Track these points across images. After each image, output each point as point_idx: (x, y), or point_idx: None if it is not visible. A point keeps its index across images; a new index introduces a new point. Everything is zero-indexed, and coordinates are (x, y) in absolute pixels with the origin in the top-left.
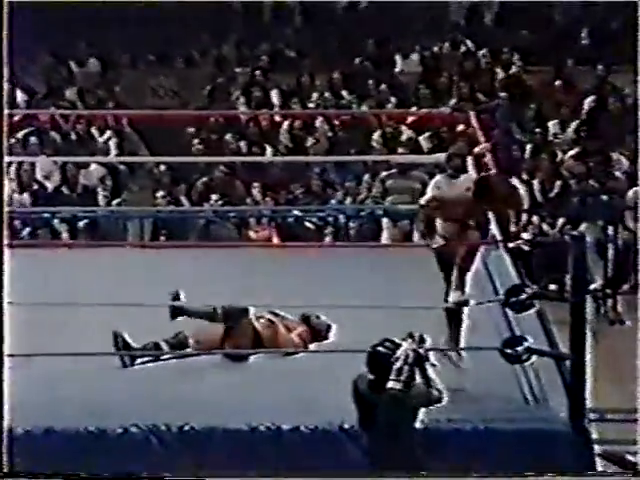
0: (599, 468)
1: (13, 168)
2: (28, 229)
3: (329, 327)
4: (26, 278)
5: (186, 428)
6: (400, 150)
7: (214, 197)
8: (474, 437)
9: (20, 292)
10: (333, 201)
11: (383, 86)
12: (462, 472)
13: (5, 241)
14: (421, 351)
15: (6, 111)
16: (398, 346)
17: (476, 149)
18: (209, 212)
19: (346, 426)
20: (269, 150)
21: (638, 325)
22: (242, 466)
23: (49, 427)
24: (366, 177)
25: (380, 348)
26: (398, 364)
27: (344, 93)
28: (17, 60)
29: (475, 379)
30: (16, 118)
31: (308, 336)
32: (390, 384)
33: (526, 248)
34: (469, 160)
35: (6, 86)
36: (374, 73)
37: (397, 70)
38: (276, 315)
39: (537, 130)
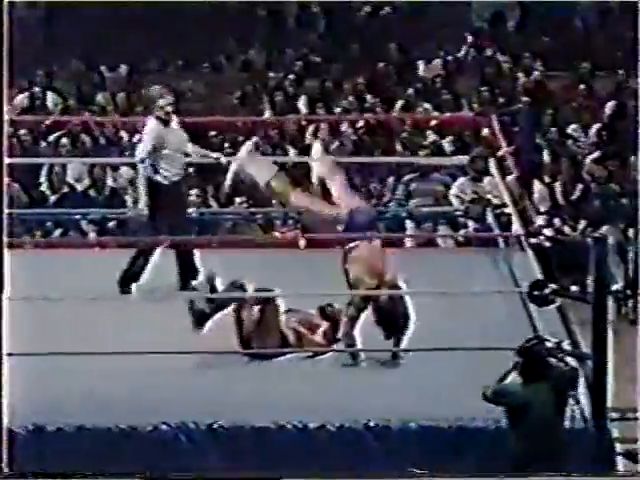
0: (620, 467)
1: (44, 171)
2: (59, 230)
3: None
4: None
5: (215, 426)
6: (423, 153)
7: (238, 200)
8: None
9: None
10: None
11: (409, 90)
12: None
13: (6, 240)
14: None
15: (37, 117)
16: (544, 341)
17: (499, 152)
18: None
19: (372, 424)
20: (292, 153)
21: (638, 326)
22: (268, 465)
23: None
24: (390, 180)
25: (534, 346)
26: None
27: (368, 97)
28: (49, 65)
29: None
30: (47, 122)
31: (331, 333)
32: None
33: (547, 244)
34: (491, 163)
35: (37, 89)
36: (397, 78)
37: (420, 74)
38: (299, 317)
39: (558, 134)
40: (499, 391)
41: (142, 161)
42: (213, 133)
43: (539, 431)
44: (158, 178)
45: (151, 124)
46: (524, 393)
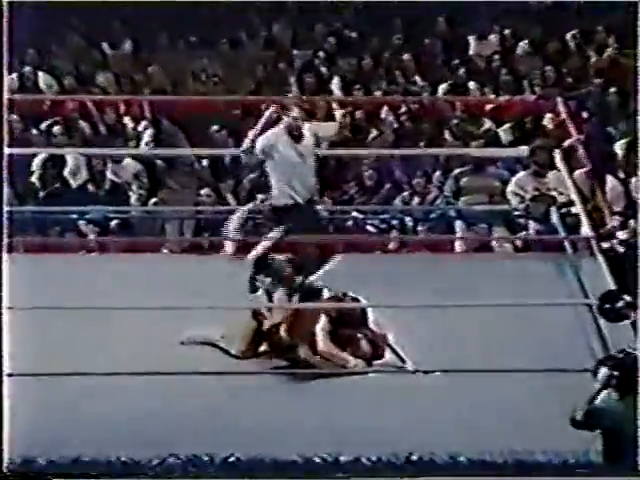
0: None
1: (38, 162)
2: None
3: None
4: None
5: (231, 459)
6: (477, 143)
7: (260, 196)
8: None
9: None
10: (398, 201)
11: (460, 70)
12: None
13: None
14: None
15: (29, 96)
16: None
17: (565, 142)
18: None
19: (414, 457)
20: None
21: (637, 326)
22: None
23: None
24: (437, 174)
25: (627, 356)
26: None
27: (412, 78)
28: (44, 42)
29: None
30: (46, 103)
31: (368, 349)
32: None
33: (621, 249)
34: (556, 155)
35: (27, 69)
36: (445, 56)
37: (471, 52)
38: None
39: (634, 121)
40: (594, 411)
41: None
42: (215, 128)
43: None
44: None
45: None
46: (624, 410)
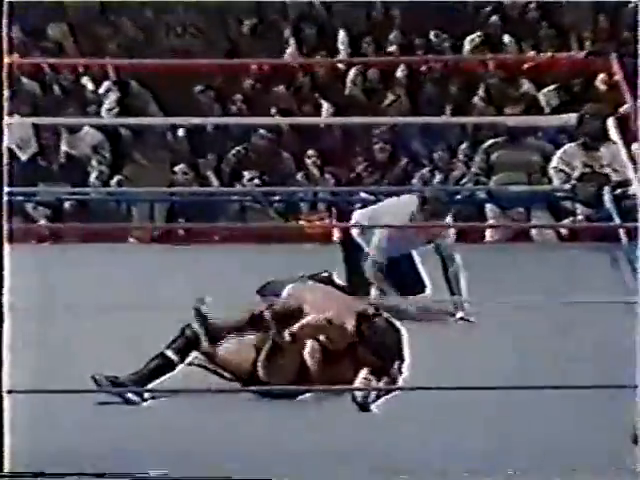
0: None
1: None
2: None
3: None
4: None
5: None
6: (512, 109)
7: (247, 174)
8: None
9: None
10: (416, 180)
11: (492, 18)
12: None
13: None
14: None
15: None
16: None
17: (621, 109)
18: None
19: None
20: (326, 108)
21: (637, 327)
22: None
23: None
24: (463, 147)
25: None
26: None
27: (433, 32)
28: None
29: None
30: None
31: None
32: None
33: None
34: (610, 124)
35: None
36: (474, 3)
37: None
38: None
39: None
40: None
41: None
42: (200, 88)
43: None
44: None
45: None
46: None
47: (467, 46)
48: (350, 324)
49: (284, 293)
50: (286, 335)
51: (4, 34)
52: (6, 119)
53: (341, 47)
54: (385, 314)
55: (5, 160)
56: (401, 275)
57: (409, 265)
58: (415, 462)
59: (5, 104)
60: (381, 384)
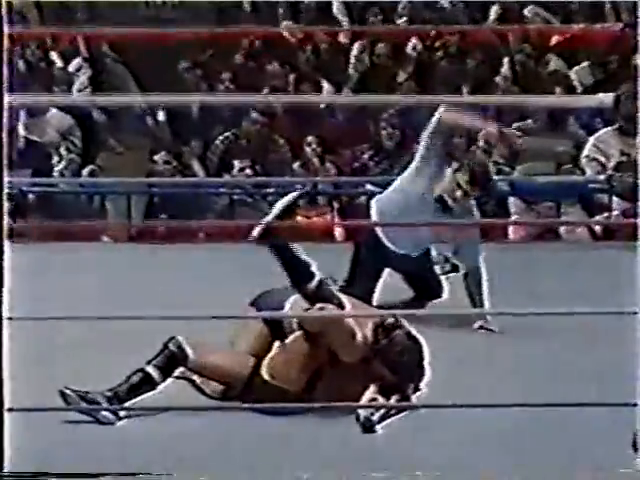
0: None
1: None
2: None
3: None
4: None
5: None
6: (540, 89)
7: (237, 164)
8: None
9: None
10: None
11: None
12: None
13: None
14: None
15: None
16: None
17: None
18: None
19: None
20: (327, 87)
21: (636, 327)
22: None
23: None
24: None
25: None
26: None
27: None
28: None
29: None
30: None
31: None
32: None
33: None
34: None
35: None
36: None
37: None
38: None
39: None
40: None
41: None
42: (185, 65)
43: None
44: None
45: None
46: None
47: (492, 16)
48: (366, 335)
49: (287, 306)
50: (301, 338)
51: None
52: None
53: (342, 18)
54: (406, 326)
55: None
56: (420, 278)
57: (427, 266)
58: None
59: None
60: (392, 401)
